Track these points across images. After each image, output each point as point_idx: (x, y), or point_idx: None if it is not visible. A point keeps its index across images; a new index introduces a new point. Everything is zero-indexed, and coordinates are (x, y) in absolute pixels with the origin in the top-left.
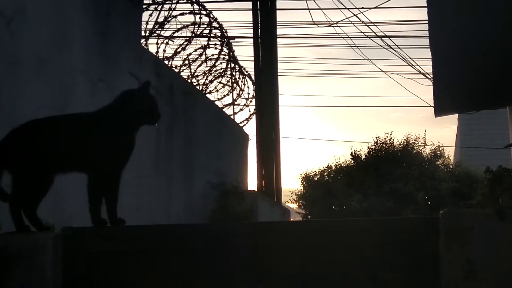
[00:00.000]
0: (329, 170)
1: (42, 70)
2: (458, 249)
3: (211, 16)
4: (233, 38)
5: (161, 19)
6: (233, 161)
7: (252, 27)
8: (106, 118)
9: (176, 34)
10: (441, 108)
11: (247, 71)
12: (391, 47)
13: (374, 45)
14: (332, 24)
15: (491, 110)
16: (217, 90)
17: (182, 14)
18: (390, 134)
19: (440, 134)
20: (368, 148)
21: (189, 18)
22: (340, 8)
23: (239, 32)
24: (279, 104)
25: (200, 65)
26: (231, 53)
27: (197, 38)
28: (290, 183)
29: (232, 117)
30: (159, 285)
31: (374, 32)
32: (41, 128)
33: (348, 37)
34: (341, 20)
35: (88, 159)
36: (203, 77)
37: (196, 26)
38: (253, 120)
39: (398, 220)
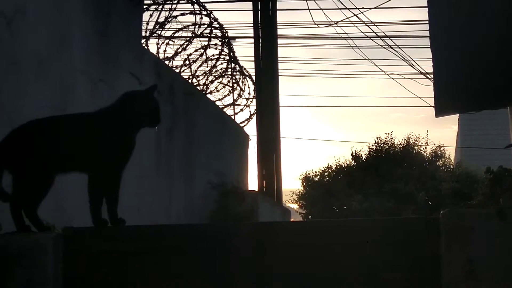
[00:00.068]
0: (329, 171)
1: (43, 70)
2: (459, 249)
3: (212, 16)
4: (234, 38)
5: (161, 19)
6: (233, 161)
7: (252, 28)
8: (107, 118)
9: (176, 35)
10: (441, 108)
11: (247, 72)
12: (391, 47)
13: (374, 45)
14: (333, 24)
15: (492, 110)
16: (218, 91)
17: (182, 14)
18: (391, 134)
19: (441, 134)
20: (369, 148)
21: (190, 19)
22: (340, 8)
23: (240, 33)
24: (280, 104)
25: (200, 66)
26: (231, 54)
27: (198, 39)
28: (291, 183)
29: (232, 117)
30: (160, 285)
31: (375, 32)
32: (41, 128)
33: (349, 37)
34: (342, 20)
35: (88, 159)
36: (204, 77)
37: (197, 26)
38: (253, 120)
39: (398, 220)
